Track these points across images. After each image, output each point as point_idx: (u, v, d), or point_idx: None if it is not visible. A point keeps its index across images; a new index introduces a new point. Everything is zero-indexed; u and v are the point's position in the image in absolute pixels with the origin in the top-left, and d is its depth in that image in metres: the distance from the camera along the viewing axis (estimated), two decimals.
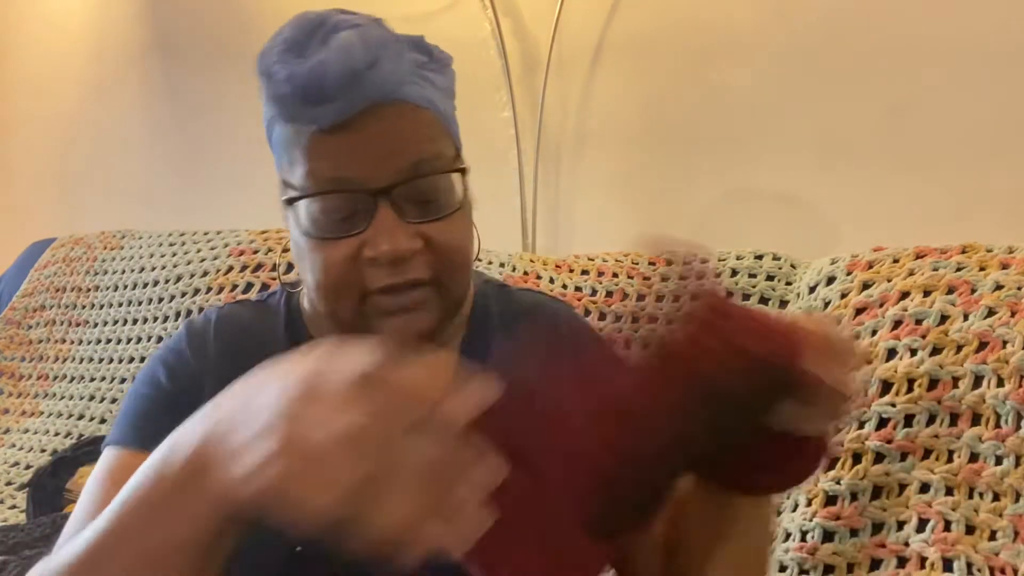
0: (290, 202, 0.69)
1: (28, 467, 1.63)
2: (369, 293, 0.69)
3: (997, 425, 0.89)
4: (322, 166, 0.68)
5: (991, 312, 0.95)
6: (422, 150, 0.69)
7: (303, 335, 0.79)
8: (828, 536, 0.93)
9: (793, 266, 1.22)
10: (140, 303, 1.77)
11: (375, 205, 0.67)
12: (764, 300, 1.19)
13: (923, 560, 0.87)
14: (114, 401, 1.69)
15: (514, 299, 0.84)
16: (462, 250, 0.72)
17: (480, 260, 1.48)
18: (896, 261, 1.09)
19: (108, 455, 0.76)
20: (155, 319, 1.72)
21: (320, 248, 0.69)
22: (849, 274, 1.12)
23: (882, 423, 0.95)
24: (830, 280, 1.14)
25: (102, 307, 1.83)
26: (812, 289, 1.16)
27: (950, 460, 0.90)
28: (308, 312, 0.80)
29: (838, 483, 0.94)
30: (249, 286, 1.61)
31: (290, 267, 0.97)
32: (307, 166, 0.68)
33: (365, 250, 0.68)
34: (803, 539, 0.94)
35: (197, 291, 1.68)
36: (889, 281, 1.06)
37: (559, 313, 0.85)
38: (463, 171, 0.72)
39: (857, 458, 0.94)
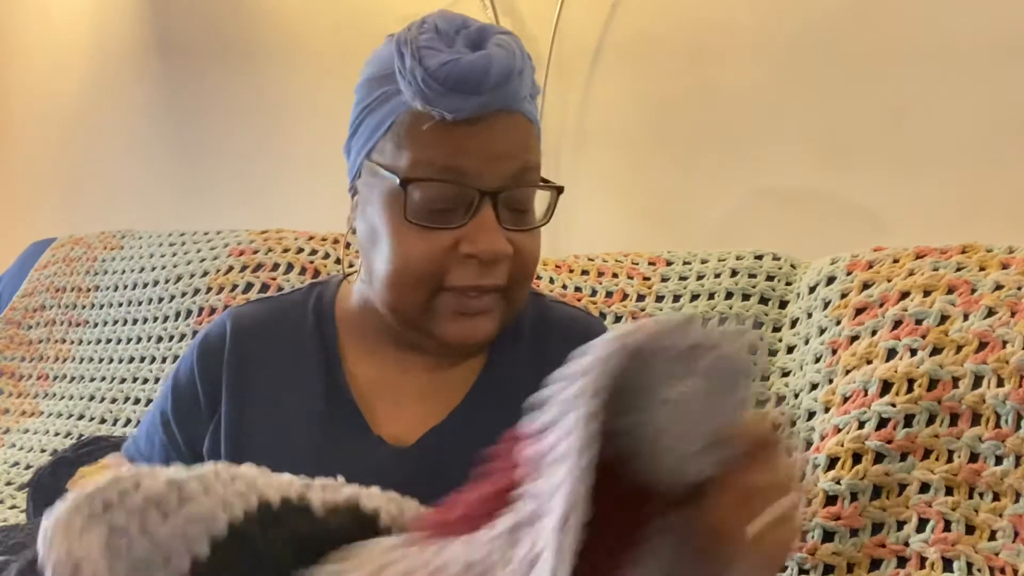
0: (403, 184, 0.69)
1: (28, 467, 1.63)
2: (444, 289, 0.71)
3: (997, 425, 0.89)
4: (438, 155, 0.68)
5: (991, 312, 0.95)
6: (529, 160, 0.72)
7: (332, 333, 0.79)
8: (828, 536, 0.93)
9: (793, 266, 1.22)
10: (140, 303, 1.77)
11: (480, 203, 0.69)
12: (764, 300, 1.19)
13: (923, 560, 0.87)
14: (114, 401, 1.69)
15: (548, 311, 0.84)
16: (535, 264, 0.75)
17: None
18: (896, 261, 1.09)
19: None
20: (155, 319, 1.72)
21: (410, 235, 0.69)
22: (849, 274, 1.12)
23: (882, 423, 0.95)
24: (830, 280, 1.14)
25: (102, 307, 1.83)
26: (812, 289, 1.16)
27: (950, 460, 0.90)
28: (348, 308, 0.80)
29: (838, 483, 0.94)
30: (249, 286, 1.61)
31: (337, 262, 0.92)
32: (421, 153, 0.69)
33: (462, 246, 0.69)
34: (803, 539, 0.94)
35: (197, 291, 1.67)
36: (889, 281, 1.06)
37: (592, 330, 0.83)
38: (560, 190, 0.74)
39: (857, 458, 0.94)
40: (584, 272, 1.35)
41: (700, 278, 1.25)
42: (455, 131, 0.68)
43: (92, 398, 1.72)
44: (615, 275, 1.32)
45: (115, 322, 1.79)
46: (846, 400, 1.00)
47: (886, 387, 0.97)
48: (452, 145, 0.68)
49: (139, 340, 1.73)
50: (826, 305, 1.12)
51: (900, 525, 0.90)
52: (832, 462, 0.96)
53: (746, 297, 1.20)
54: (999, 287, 0.96)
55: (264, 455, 0.74)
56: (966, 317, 0.96)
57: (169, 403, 0.80)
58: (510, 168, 0.70)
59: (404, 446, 0.74)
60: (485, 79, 0.66)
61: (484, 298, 0.71)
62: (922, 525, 0.89)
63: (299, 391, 0.77)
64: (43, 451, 1.67)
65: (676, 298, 1.25)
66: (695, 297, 1.23)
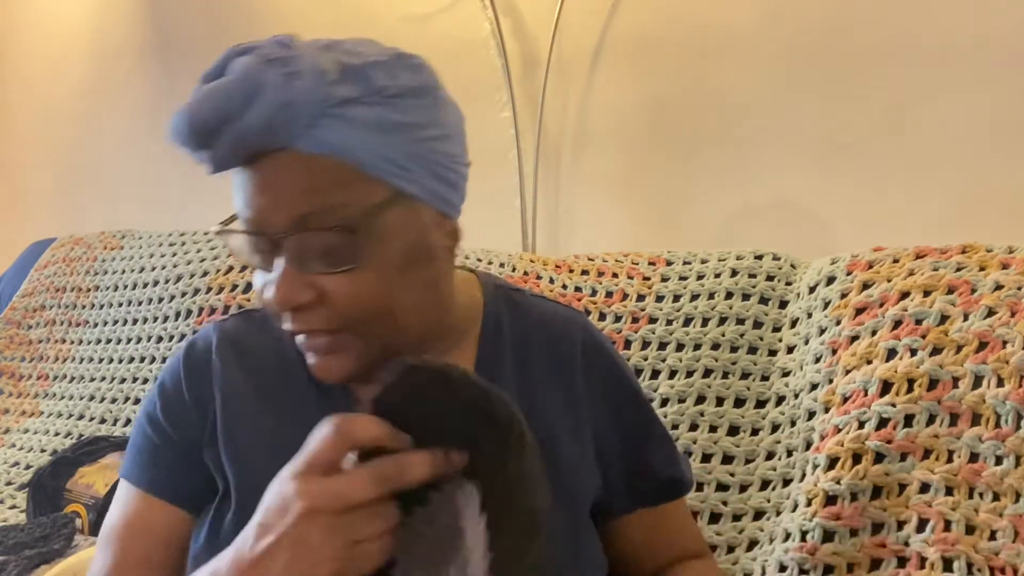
0: (218, 233, 0.70)
1: (28, 467, 1.63)
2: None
3: (997, 425, 0.89)
4: (238, 201, 0.68)
5: (991, 312, 0.95)
6: (308, 203, 0.64)
7: None
8: (828, 536, 0.93)
9: (793, 266, 1.22)
10: (140, 303, 1.77)
11: (276, 250, 0.66)
12: (764, 300, 1.19)
13: (923, 560, 0.87)
14: (114, 401, 1.69)
15: (527, 310, 0.83)
16: (367, 305, 0.66)
17: (480, 260, 1.49)
18: (896, 261, 1.09)
19: (125, 489, 0.78)
20: (155, 319, 1.72)
21: (255, 276, 0.70)
22: (849, 274, 1.12)
23: (882, 423, 0.95)
24: (830, 280, 1.14)
25: (102, 307, 1.83)
26: (812, 289, 1.16)
27: (950, 460, 0.90)
28: None
29: (838, 483, 0.94)
30: (249, 286, 1.61)
31: None
32: (234, 198, 0.68)
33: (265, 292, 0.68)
34: (803, 539, 0.94)
35: (197, 291, 1.68)
36: (889, 281, 1.06)
37: (573, 325, 0.83)
38: (351, 230, 0.64)
39: (857, 458, 0.95)
40: (584, 272, 1.35)
41: (700, 278, 1.25)
42: (241, 177, 0.67)
43: (92, 398, 1.72)
44: (615, 275, 1.32)
45: (115, 322, 1.79)
46: (846, 400, 1.00)
47: (886, 387, 0.97)
48: (242, 191, 0.67)
49: (139, 340, 1.73)
50: (826, 305, 1.12)
51: (900, 525, 0.90)
52: (832, 462, 0.97)
53: (746, 297, 1.20)
54: (999, 287, 0.97)
55: (265, 471, 0.73)
56: (966, 317, 0.96)
57: (157, 406, 0.78)
58: (287, 214, 0.64)
59: None
60: (192, 134, 0.62)
61: (323, 339, 0.68)
62: (922, 525, 0.89)
63: (291, 404, 0.76)
64: (43, 451, 1.67)
65: (676, 298, 1.25)
66: (695, 297, 1.23)
